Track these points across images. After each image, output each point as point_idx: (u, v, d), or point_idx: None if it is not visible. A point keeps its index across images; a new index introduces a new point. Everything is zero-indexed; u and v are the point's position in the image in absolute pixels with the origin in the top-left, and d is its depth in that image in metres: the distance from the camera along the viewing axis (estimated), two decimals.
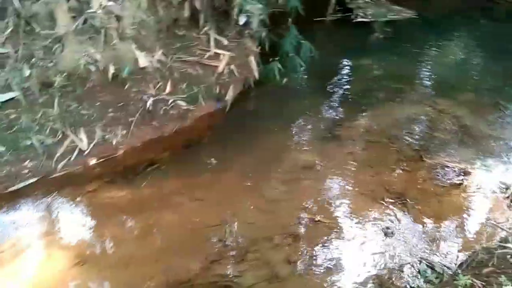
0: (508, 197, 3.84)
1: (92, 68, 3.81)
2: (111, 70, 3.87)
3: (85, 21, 3.76)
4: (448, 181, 4.03)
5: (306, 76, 5.25)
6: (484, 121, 4.87)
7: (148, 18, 4.38)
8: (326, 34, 6.57)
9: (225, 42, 4.95)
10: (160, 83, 4.43)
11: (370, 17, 6.90)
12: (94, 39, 3.84)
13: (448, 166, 4.20)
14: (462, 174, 4.10)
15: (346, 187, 4.01)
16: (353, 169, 4.21)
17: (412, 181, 4.05)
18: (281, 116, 4.90)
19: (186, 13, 4.70)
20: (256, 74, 5.15)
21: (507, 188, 3.90)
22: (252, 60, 5.10)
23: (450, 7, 7.66)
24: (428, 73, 5.85)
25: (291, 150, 4.51)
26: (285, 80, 5.23)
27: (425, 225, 3.62)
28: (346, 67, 5.78)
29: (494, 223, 3.60)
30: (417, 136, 4.63)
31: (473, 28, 7.07)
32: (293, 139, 4.65)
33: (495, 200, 3.84)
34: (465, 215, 3.72)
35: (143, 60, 4.07)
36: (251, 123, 4.80)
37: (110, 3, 3.85)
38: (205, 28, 4.90)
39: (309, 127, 4.81)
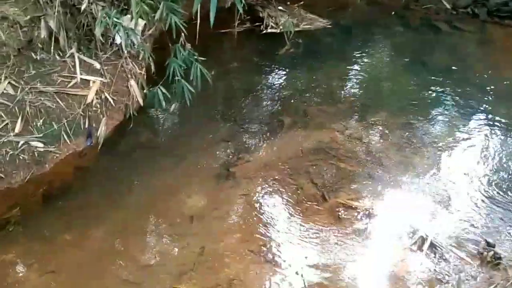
0: (415, 242, 3.38)
1: None
2: None
3: None
4: (351, 227, 3.51)
5: (198, 102, 4.56)
6: (395, 147, 4.42)
7: None
8: (230, 49, 5.94)
9: (97, 65, 4.15)
10: (5, 122, 3.56)
11: (281, 27, 6.32)
12: None
13: (352, 207, 3.68)
14: (367, 216, 3.60)
15: (232, 242, 3.37)
16: (244, 217, 3.60)
17: (311, 229, 3.49)
18: (167, 151, 4.20)
19: (43, 33, 3.85)
20: (140, 101, 4.41)
21: (414, 233, 3.43)
22: (134, 84, 4.34)
23: (366, 15, 7.27)
24: (339, 91, 5.36)
25: (178, 195, 3.81)
26: (172, 107, 4.52)
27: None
28: (247, 88, 5.16)
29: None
30: (321, 170, 4.09)
31: (388, 37, 6.72)
32: (180, 180, 3.95)
33: (400, 250, 3.35)
34: (365, 271, 3.20)
35: None
36: (130, 162, 4.06)
37: None
38: (71, 50, 4.07)
39: (200, 164, 4.12)
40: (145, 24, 4.66)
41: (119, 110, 4.23)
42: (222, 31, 6.12)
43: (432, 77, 5.65)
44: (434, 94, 5.32)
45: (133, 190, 3.84)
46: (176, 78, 4.32)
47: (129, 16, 4.10)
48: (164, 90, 4.31)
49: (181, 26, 4.21)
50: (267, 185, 3.90)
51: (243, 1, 4.42)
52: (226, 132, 4.52)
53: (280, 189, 3.87)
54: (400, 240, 3.41)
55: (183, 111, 4.64)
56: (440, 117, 4.90)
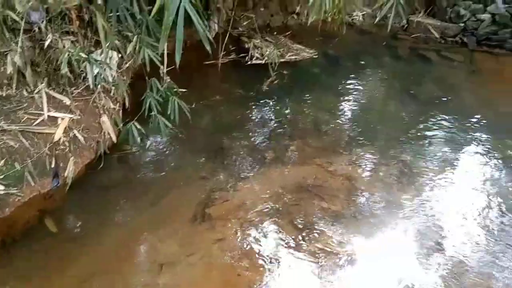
0: None
1: None
2: None
3: None
4: (332, 275, 3.24)
5: (177, 137, 4.38)
6: (382, 185, 4.20)
7: None
8: (213, 81, 5.79)
9: (67, 101, 3.97)
10: None
11: (266, 58, 6.20)
12: None
13: (334, 252, 3.43)
14: (349, 263, 3.34)
15: None
16: (217, 265, 3.33)
17: (287, 279, 3.22)
18: (140, 191, 3.96)
19: (9, 69, 3.68)
20: (114, 137, 4.21)
21: (399, 282, 3.17)
22: (106, 120, 4.15)
23: (354, 45, 7.20)
24: (324, 124, 5.16)
25: (149, 239, 3.56)
26: (148, 143, 4.32)
27: None
28: (229, 122, 4.98)
29: None
30: (303, 210, 3.85)
31: (377, 68, 6.60)
32: (153, 223, 3.70)
33: None
34: None
35: None
36: (100, 203, 3.82)
37: None
38: (40, 86, 3.89)
39: (175, 204, 3.89)
40: (121, 57, 4.53)
41: (90, 148, 4.02)
42: (207, 62, 6.00)
43: (422, 109, 5.49)
44: (423, 127, 5.14)
45: (102, 234, 3.58)
46: (153, 113, 4.14)
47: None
48: (138, 126, 4.12)
49: (155, 59, 4.06)
50: (244, 228, 3.65)
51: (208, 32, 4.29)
52: (205, 169, 4.30)
53: (258, 232, 3.62)
54: None
55: (160, 147, 4.44)
56: (430, 152, 4.69)
